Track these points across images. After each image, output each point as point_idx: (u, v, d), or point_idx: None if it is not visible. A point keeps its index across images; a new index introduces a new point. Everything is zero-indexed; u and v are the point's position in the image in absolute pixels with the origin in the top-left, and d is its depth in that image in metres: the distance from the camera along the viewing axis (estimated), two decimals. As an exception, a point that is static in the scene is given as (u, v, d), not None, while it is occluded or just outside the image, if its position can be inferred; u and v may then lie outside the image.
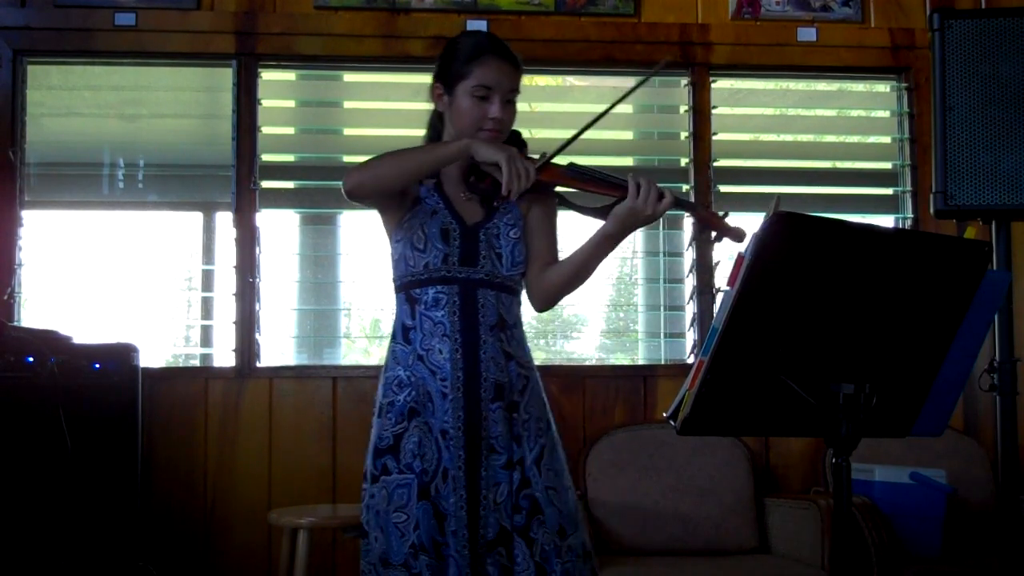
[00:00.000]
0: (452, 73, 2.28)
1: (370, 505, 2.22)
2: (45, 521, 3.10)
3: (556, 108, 4.16)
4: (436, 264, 2.25)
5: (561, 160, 2.26)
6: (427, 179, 2.30)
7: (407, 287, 2.29)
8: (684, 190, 3.97)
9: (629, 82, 4.13)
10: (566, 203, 2.30)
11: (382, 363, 2.33)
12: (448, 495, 2.17)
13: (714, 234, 2.23)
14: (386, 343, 2.34)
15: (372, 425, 2.28)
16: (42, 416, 3.09)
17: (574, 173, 2.26)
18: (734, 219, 2.21)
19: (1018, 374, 2.77)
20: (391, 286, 2.36)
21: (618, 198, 2.19)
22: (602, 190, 2.23)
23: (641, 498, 3.62)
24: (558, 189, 2.29)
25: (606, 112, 2.22)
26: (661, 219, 2.28)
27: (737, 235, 2.18)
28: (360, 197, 2.26)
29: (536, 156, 2.27)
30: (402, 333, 2.28)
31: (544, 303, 2.37)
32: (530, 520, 2.19)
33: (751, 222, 4.05)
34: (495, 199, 2.28)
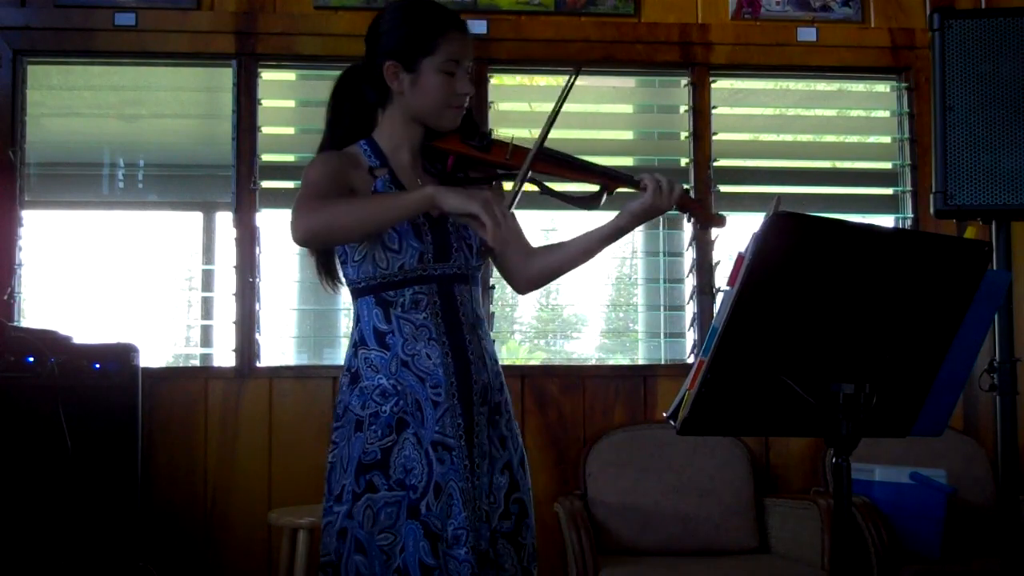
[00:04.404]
0: (413, 49, 2.10)
1: (348, 527, 2.01)
2: (45, 521, 3.10)
3: (556, 108, 4.15)
4: (412, 264, 2.07)
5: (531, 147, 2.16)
6: (379, 171, 2.13)
7: (377, 289, 2.09)
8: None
9: (629, 82, 4.19)
10: (547, 191, 2.20)
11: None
12: (454, 512, 2.00)
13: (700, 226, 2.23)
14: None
15: (344, 439, 2.07)
16: (42, 416, 3.09)
17: (560, 162, 2.17)
18: (734, 219, 2.21)
19: (1018, 374, 2.77)
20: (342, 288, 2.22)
21: (601, 186, 2.14)
22: (586, 178, 2.17)
23: (641, 498, 3.62)
24: (538, 179, 2.20)
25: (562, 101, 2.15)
26: (661, 218, 2.27)
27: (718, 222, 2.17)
28: (311, 247, 2.13)
29: (513, 144, 2.17)
30: (376, 338, 2.08)
31: (533, 286, 2.32)
32: (519, 524, 2.10)
33: (751, 222, 4.04)
34: (480, 247, 2.14)
